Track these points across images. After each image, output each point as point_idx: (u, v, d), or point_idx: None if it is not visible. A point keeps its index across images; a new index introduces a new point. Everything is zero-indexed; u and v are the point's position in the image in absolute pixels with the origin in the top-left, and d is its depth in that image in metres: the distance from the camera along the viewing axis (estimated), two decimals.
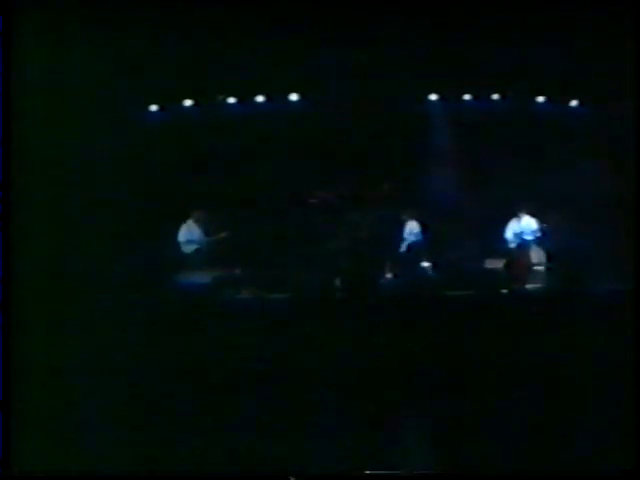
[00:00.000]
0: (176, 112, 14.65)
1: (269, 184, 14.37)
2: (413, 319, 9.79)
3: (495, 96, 14.75)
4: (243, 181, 14.25)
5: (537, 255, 13.70)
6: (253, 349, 9.29)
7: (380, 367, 8.78)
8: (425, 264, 13.57)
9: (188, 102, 14.64)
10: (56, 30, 9.79)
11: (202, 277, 12.30)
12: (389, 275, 13.41)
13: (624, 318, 8.49)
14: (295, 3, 11.13)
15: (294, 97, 14.56)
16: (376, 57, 12.95)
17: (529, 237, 13.84)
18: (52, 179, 10.20)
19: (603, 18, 10.56)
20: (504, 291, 11.71)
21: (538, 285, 12.74)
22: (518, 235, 13.92)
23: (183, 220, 13.61)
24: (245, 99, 14.62)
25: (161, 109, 14.61)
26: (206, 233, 13.58)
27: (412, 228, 14.11)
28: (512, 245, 13.95)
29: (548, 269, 13.40)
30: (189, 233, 13.57)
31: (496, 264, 13.30)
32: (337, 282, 12.01)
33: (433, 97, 14.84)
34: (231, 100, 14.66)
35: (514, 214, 13.99)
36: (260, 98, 14.62)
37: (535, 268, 13.51)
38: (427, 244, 14.00)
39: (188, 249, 13.49)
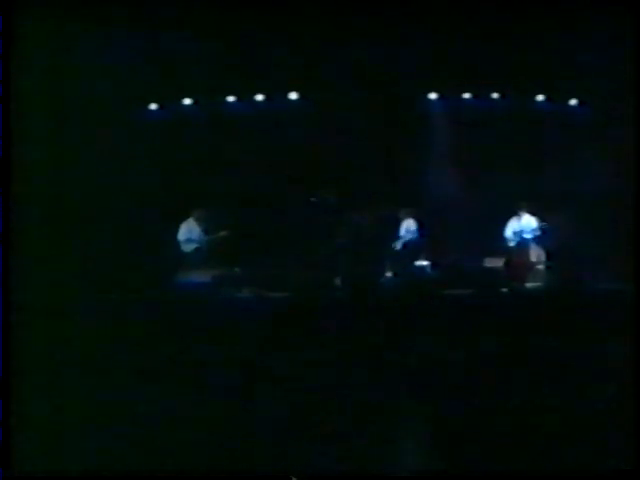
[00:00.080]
0: (175, 111, 14.65)
1: (269, 183, 14.39)
2: (412, 318, 9.79)
3: (495, 95, 14.75)
4: (243, 180, 14.26)
5: (537, 254, 13.72)
6: (253, 348, 9.28)
7: (380, 366, 8.78)
8: (424, 263, 13.59)
9: (188, 101, 14.65)
10: (56, 29, 9.79)
11: (202, 276, 12.31)
12: (389, 274, 13.43)
13: (624, 317, 8.48)
14: (295, 3, 11.13)
15: (294, 96, 14.56)
16: (376, 56, 12.96)
17: (529, 236, 13.85)
18: (52, 178, 10.21)
19: (603, 18, 10.56)
20: (504, 290, 11.70)
21: (538, 284, 12.75)
22: (518, 234, 13.93)
23: (183, 219, 13.62)
24: (245, 98, 14.62)
25: (160, 108, 14.63)
26: (206, 232, 13.59)
27: (409, 226, 14.11)
28: (512, 244, 13.96)
29: (548, 268, 13.41)
30: (189, 232, 13.57)
31: (496, 263, 13.32)
32: (337, 281, 12.02)
33: (433, 96, 14.85)
34: (231, 99, 14.67)
35: (514, 213, 14.00)
36: (260, 97, 14.62)
37: (535, 267, 13.52)
38: (425, 242, 14.00)
39: (188, 248, 13.50)
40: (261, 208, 14.13)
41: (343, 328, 9.44)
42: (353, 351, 9.02)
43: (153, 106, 14.58)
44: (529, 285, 12.67)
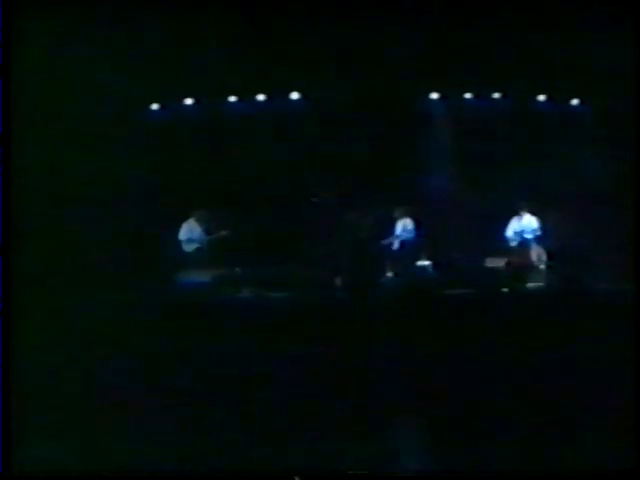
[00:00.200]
0: (177, 111, 14.65)
1: (270, 182, 14.39)
2: (413, 318, 9.79)
3: (496, 95, 14.74)
4: (244, 180, 14.26)
5: (538, 254, 13.71)
6: (253, 347, 9.28)
7: (380, 366, 8.78)
8: (426, 263, 13.58)
9: (189, 101, 14.64)
10: (56, 29, 9.80)
11: (203, 276, 12.32)
12: (390, 274, 13.43)
13: (624, 317, 8.49)
14: (295, 2, 11.14)
15: (295, 96, 14.56)
16: (376, 55, 12.95)
17: (530, 236, 13.83)
18: (52, 177, 10.22)
19: (603, 18, 10.56)
20: (505, 290, 11.70)
21: (539, 284, 12.74)
22: (519, 234, 13.91)
23: (184, 219, 13.63)
24: (246, 98, 14.62)
25: (162, 108, 14.62)
26: (207, 232, 13.59)
27: (405, 225, 14.06)
28: (513, 244, 13.95)
29: (549, 268, 13.40)
30: (190, 232, 13.58)
31: (497, 263, 13.31)
32: (338, 281, 12.02)
33: (434, 95, 14.84)
34: (232, 99, 14.67)
35: (515, 212, 14.00)
36: (261, 97, 14.62)
37: (536, 267, 13.51)
38: (422, 241, 13.97)
39: (189, 248, 13.50)
40: (262, 208, 14.13)
41: (343, 328, 9.44)
42: (353, 351, 9.02)
43: (155, 106, 14.58)
44: (530, 285, 12.65)
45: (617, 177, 12.73)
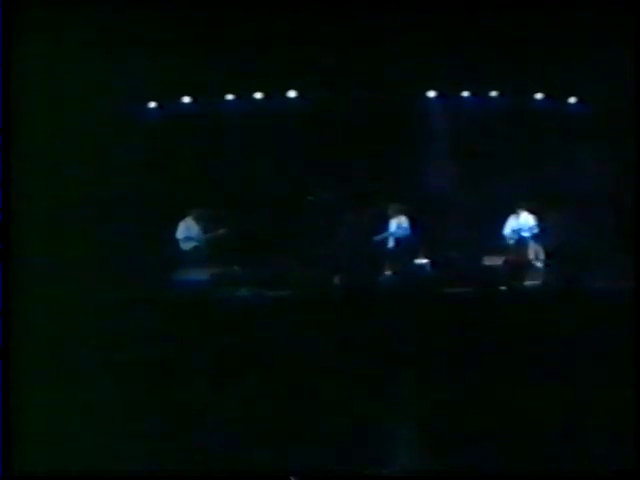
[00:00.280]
0: (174, 109, 14.64)
1: (267, 181, 14.39)
2: (411, 316, 9.80)
3: (493, 93, 14.75)
4: (242, 178, 14.27)
5: (535, 252, 13.72)
6: (252, 346, 9.29)
7: (381, 366, 8.79)
8: (424, 261, 13.57)
9: (186, 99, 14.63)
10: (55, 28, 9.79)
11: (200, 274, 12.31)
12: (388, 272, 13.43)
13: (623, 315, 8.50)
14: (295, 2, 11.13)
15: (292, 94, 14.55)
16: (374, 54, 12.95)
17: (527, 234, 13.85)
18: (51, 176, 10.20)
19: (603, 17, 10.56)
20: (503, 288, 11.71)
21: (536, 282, 12.74)
22: (516, 232, 13.93)
23: (181, 217, 13.62)
24: (243, 96, 14.61)
25: (159, 106, 14.61)
26: (204, 230, 13.59)
27: (400, 222, 14.04)
28: (510, 242, 13.96)
29: (546, 266, 13.41)
30: (187, 230, 13.57)
31: (495, 261, 13.32)
32: (336, 280, 12.02)
33: (432, 94, 14.84)
34: (230, 97, 14.66)
35: (512, 211, 14.01)
36: (258, 95, 14.61)
37: (533, 265, 13.52)
38: (418, 239, 13.96)
39: (186, 246, 13.50)
40: (259, 207, 14.14)
41: (341, 326, 9.46)
42: (353, 350, 9.03)
43: (152, 104, 14.56)
44: (528, 283, 12.66)
45: (615, 176, 12.77)
